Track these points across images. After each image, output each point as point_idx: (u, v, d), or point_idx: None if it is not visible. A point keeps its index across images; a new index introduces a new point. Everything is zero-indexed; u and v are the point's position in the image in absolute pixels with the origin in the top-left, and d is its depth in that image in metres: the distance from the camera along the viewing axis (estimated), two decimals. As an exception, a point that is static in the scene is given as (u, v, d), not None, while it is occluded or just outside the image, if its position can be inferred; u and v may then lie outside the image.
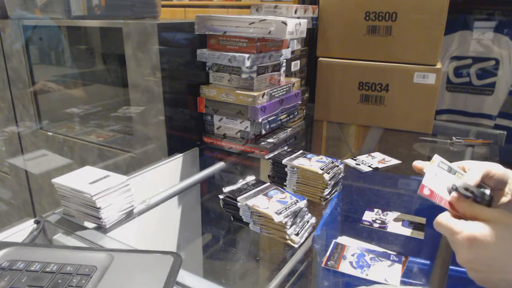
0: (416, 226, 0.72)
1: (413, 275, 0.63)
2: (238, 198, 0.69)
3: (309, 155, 0.83)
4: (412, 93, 1.15)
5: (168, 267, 0.49)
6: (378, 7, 1.14)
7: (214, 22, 0.94)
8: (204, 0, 3.25)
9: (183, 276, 0.51)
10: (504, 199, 0.61)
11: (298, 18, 1.01)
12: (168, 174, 0.96)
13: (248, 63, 0.91)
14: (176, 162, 0.97)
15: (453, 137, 1.12)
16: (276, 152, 0.86)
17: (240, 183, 0.75)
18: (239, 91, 0.94)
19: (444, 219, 0.49)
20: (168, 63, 0.93)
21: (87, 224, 0.66)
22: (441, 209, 0.51)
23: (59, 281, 0.46)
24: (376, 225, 0.73)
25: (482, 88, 1.49)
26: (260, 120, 0.94)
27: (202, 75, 1.02)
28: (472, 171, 0.59)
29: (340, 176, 0.82)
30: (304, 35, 1.00)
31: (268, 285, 0.58)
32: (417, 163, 0.61)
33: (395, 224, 0.73)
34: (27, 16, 1.14)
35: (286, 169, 0.81)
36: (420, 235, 0.69)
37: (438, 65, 1.12)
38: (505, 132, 1.16)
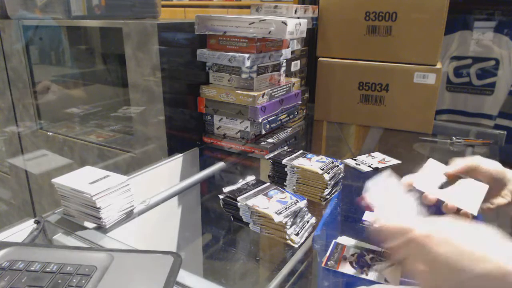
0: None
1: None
2: (238, 198, 0.69)
3: (309, 155, 0.83)
4: (412, 93, 1.15)
5: (168, 267, 0.49)
6: (378, 7, 1.14)
7: (214, 22, 0.94)
8: (204, 0, 3.25)
9: (183, 276, 0.51)
10: (502, 201, 0.61)
11: (298, 18, 1.01)
12: (168, 174, 0.96)
13: (248, 63, 0.91)
14: (176, 162, 0.97)
15: (453, 137, 1.12)
16: (276, 152, 0.86)
17: (240, 183, 0.75)
18: (239, 91, 0.94)
19: (386, 220, 0.46)
20: (168, 63, 0.93)
21: (87, 224, 0.66)
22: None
23: (59, 281, 0.46)
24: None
25: (482, 88, 1.49)
26: (260, 120, 0.94)
27: (202, 75, 1.02)
28: (453, 164, 0.59)
29: (340, 176, 0.82)
30: (304, 35, 1.00)
31: (268, 285, 0.58)
32: (406, 180, 0.60)
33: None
34: (27, 16, 1.14)
35: (286, 169, 0.80)
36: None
37: (438, 65, 1.12)
38: (505, 132, 1.16)
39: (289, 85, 1.06)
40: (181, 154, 0.99)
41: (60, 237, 0.62)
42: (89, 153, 1.19)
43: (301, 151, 0.86)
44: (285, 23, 0.88)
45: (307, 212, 0.69)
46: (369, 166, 0.95)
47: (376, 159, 0.99)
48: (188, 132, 1.03)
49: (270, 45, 0.97)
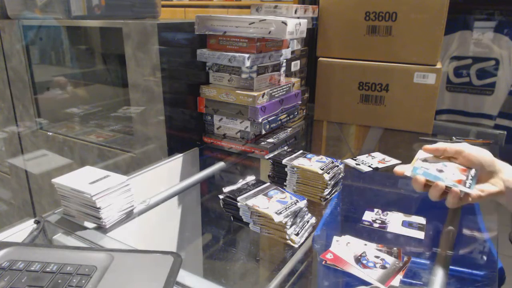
0: (416, 226, 0.72)
1: (413, 275, 0.63)
2: (238, 198, 0.69)
3: (309, 155, 0.83)
4: (412, 93, 1.15)
5: (168, 267, 0.49)
6: (378, 7, 1.14)
7: (214, 22, 0.94)
8: (204, 0, 3.25)
9: (183, 276, 0.51)
10: (493, 188, 0.61)
11: (298, 18, 1.01)
12: (168, 174, 0.96)
13: (248, 63, 0.91)
14: (176, 162, 0.97)
15: (453, 137, 1.12)
16: (276, 152, 0.86)
17: (240, 183, 0.75)
18: (239, 91, 0.94)
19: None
20: (168, 63, 0.93)
21: (87, 224, 0.66)
22: (441, 209, 0.51)
23: (59, 281, 0.46)
24: (376, 225, 0.73)
25: (482, 88, 1.49)
26: (260, 120, 0.94)
27: (202, 75, 1.02)
28: (436, 144, 0.62)
29: (340, 176, 0.82)
30: (304, 35, 1.00)
31: (268, 285, 0.58)
32: (397, 168, 0.63)
33: (395, 224, 0.73)
34: (27, 16, 1.14)
35: (286, 169, 0.81)
36: (420, 235, 0.69)
37: (438, 65, 1.12)
38: (505, 132, 1.17)
39: (289, 85, 1.06)
40: (181, 154, 0.99)
41: (60, 237, 0.62)
42: (89, 153, 1.19)
43: (301, 151, 0.86)
44: (285, 23, 0.88)
45: (307, 212, 0.69)
46: (369, 166, 0.95)
47: (376, 159, 0.99)
48: (188, 132, 1.03)
49: (270, 45, 0.97)
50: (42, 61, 1.31)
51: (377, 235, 0.70)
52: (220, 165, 0.96)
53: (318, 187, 0.77)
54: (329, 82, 1.25)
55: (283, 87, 1.03)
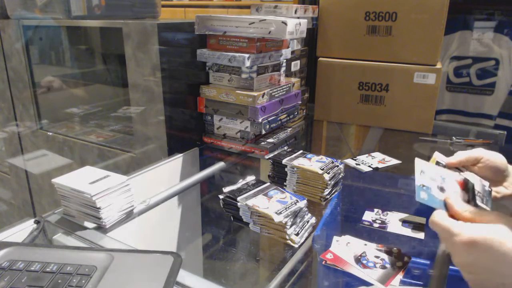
0: (416, 226, 0.72)
1: (413, 275, 0.63)
2: (238, 198, 0.69)
3: (309, 155, 0.83)
4: (412, 93, 1.15)
5: (168, 267, 0.49)
6: (378, 7, 1.14)
7: (214, 22, 0.94)
8: (204, 0, 3.25)
9: (183, 276, 0.51)
10: (506, 191, 0.62)
11: (298, 18, 1.01)
12: (168, 174, 0.96)
13: (248, 63, 0.91)
14: (176, 162, 0.97)
15: (453, 137, 1.12)
16: (276, 152, 0.86)
17: (240, 183, 0.75)
18: (239, 91, 0.94)
19: (441, 219, 0.47)
20: (168, 63, 0.93)
21: (87, 224, 0.66)
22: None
23: (59, 281, 0.46)
24: (376, 225, 0.73)
25: (482, 88, 1.49)
26: (260, 120, 0.94)
27: (202, 75, 1.02)
28: (455, 155, 0.61)
29: (340, 176, 0.82)
30: (304, 35, 1.00)
31: (268, 285, 0.58)
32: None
33: (395, 224, 0.73)
34: (27, 16, 1.14)
35: (286, 169, 0.80)
36: (420, 235, 0.69)
37: (438, 65, 1.12)
38: (505, 132, 1.17)
39: (289, 85, 1.06)
40: (181, 154, 0.99)
41: (60, 237, 0.62)
42: (89, 153, 1.19)
43: (301, 151, 0.86)
44: (285, 23, 0.88)
45: (307, 212, 0.69)
46: (369, 166, 0.95)
47: (376, 159, 0.99)
48: (188, 132, 1.03)
49: (270, 45, 0.97)
50: (42, 61, 1.31)
51: (377, 235, 0.70)
52: (220, 165, 0.96)
53: (318, 187, 0.77)
54: (329, 82, 1.25)
55: (283, 87, 1.03)
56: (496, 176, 0.62)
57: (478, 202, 0.58)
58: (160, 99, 0.94)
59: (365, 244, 0.66)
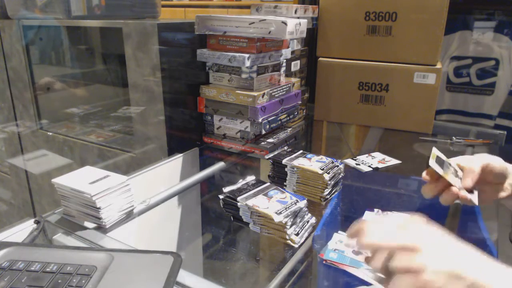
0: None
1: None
2: (238, 198, 0.69)
3: (309, 155, 0.83)
4: (412, 93, 1.15)
5: (168, 267, 0.49)
6: (378, 7, 1.14)
7: (214, 22, 0.94)
8: (204, 0, 3.25)
9: (183, 276, 0.51)
10: (502, 194, 0.62)
11: (298, 18, 1.01)
12: (168, 174, 0.96)
13: (248, 63, 0.91)
14: (176, 162, 0.97)
15: (453, 137, 1.12)
16: (276, 152, 0.86)
17: (240, 183, 0.75)
18: (239, 91, 0.94)
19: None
20: (168, 63, 0.93)
21: (87, 224, 0.66)
22: (441, 209, 0.51)
23: (59, 281, 0.46)
24: (376, 225, 0.73)
25: (482, 88, 1.49)
26: (260, 120, 0.94)
27: (202, 75, 1.02)
28: (469, 172, 0.60)
29: (340, 176, 0.82)
30: (304, 35, 1.00)
31: (268, 285, 0.58)
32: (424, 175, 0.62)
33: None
34: (27, 16, 1.14)
35: (286, 169, 0.80)
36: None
37: (438, 65, 1.12)
38: (505, 132, 1.16)
39: (289, 85, 1.06)
40: (181, 154, 0.99)
41: (60, 237, 0.62)
42: (89, 153, 1.19)
43: (301, 151, 0.86)
44: (285, 23, 0.88)
45: (307, 212, 0.69)
46: (369, 166, 0.95)
47: (376, 159, 0.99)
48: (188, 132, 1.03)
49: (270, 45, 0.97)
50: (42, 61, 1.31)
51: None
52: (220, 165, 0.96)
53: (318, 187, 0.77)
54: (329, 82, 1.25)
55: (283, 87, 1.03)
56: (497, 179, 0.63)
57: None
58: (160, 99, 0.94)
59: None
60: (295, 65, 1.20)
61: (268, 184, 0.75)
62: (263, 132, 0.97)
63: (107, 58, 1.28)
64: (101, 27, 1.16)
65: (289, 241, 0.64)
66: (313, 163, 0.79)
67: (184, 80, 0.99)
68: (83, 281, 0.46)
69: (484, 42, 1.44)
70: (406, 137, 1.18)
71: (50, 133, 1.28)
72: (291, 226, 0.64)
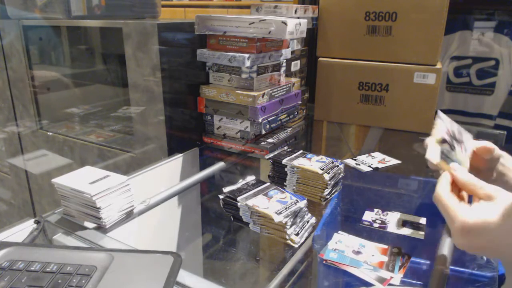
0: (416, 226, 0.72)
1: (413, 275, 0.63)
2: (238, 198, 0.69)
3: (309, 155, 0.83)
4: (412, 93, 1.15)
5: (168, 267, 0.49)
6: (378, 7, 1.14)
7: (214, 22, 0.94)
8: (204, 0, 3.25)
9: (183, 276, 0.51)
10: (495, 177, 0.63)
11: (298, 18, 1.01)
12: (168, 174, 0.96)
13: (248, 63, 0.91)
14: (176, 162, 0.97)
15: (453, 137, 1.11)
16: (276, 152, 0.86)
17: (240, 183, 0.75)
18: (239, 91, 0.94)
19: (441, 196, 0.50)
20: (168, 63, 0.93)
21: (87, 224, 0.66)
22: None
23: (59, 281, 0.46)
24: (376, 225, 0.73)
25: (482, 88, 1.49)
26: (260, 120, 0.94)
27: (202, 75, 1.02)
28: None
29: (340, 176, 0.82)
30: (304, 35, 1.00)
31: (268, 285, 0.58)
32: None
33: (395, 224, 0.73)
34: (27, 16, 1.14)
35: (286, 169, 0.81)
36: (420, 235, 0.69)
37: (438, 65, 1.12)
38: (505, 132, 1.17)
39: (289, 85, 1.06)
40: (181, 154, 0.99)
41: (60, 237, 0.62)
42: (89, 153, 1.19)
43: (301, 151, 0.86)
44: (285, 23, 0.88)
45: (307, 212, 0.69)
46: (369, 166, 0.95)
47: (376, 159, 0.99)
48: (188, 132, 1.03)
49: (270, 45, 0.97)
50: (42, 61, 1.31)
51: (377, 235, 0.70)
52: (220, 165, 0.96)
53: (318, 187, 0.77)
54: (329, 82, 1.25)
55: (283, 87, 1.03)
56: (489, 164, 0.64)
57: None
58: (160, 99, 0.94)
59: (364, 246, 0.66)
60: (295, 65, 1.20)
61: (268, 184, 0.75)
62: (263, 132, 0.97)
63: (107, 58, 1.28)
64: (101, 27, 1.16)
65: (289, 241, 0.64)
66: (313, 163, 0.80)
67: (184, 80, 0.99)
68: (83, 281, 0.46)
69: (484, 42, 1.44)
70: (406, 137, 1.18)
71: (50, 133, 1.28)
72: (291, 226, 0.64)
